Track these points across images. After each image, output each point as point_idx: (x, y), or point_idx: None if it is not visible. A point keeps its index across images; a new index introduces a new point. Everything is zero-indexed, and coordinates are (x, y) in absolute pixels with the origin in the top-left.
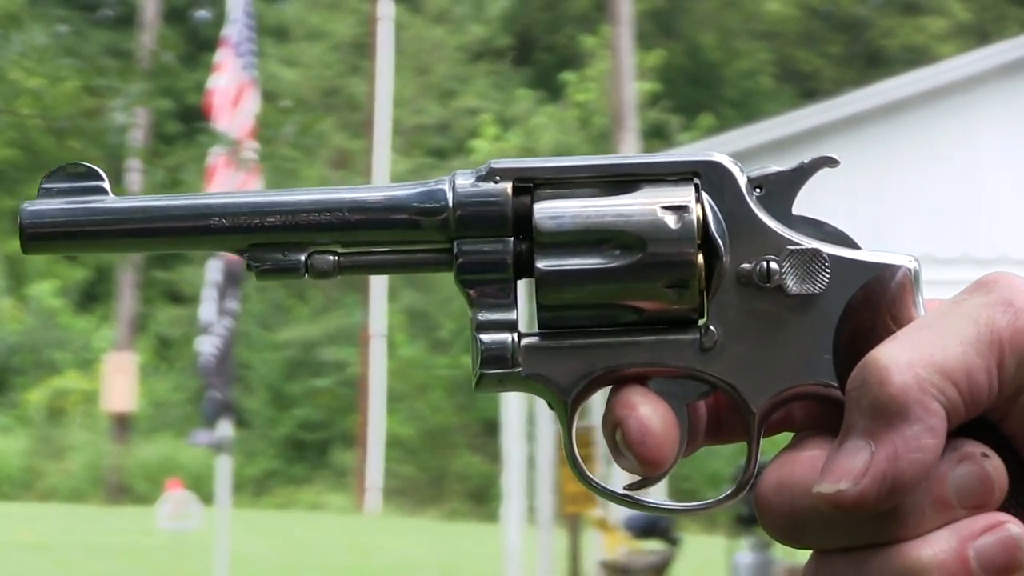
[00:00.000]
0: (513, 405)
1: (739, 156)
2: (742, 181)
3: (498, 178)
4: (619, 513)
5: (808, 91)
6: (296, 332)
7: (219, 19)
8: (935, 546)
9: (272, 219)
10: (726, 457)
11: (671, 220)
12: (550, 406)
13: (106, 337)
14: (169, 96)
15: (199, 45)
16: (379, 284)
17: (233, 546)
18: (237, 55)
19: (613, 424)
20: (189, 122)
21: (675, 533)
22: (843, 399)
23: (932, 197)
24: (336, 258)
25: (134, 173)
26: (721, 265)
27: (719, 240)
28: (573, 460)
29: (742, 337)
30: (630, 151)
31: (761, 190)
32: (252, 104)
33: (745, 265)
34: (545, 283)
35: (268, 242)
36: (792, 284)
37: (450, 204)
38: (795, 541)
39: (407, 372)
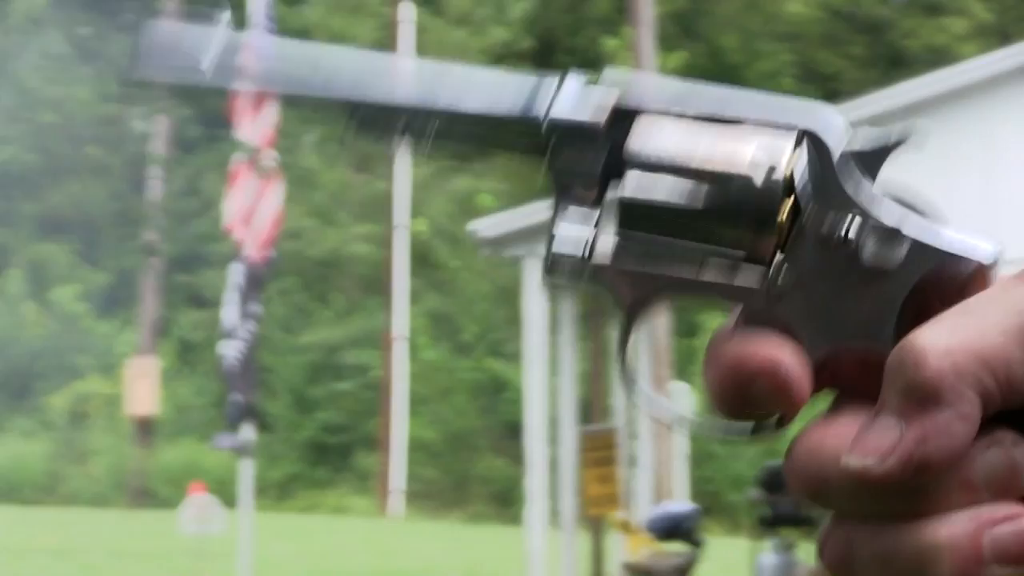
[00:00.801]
0: (536, 408)
1: None
2: (841, 146)
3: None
4: (642, 515)
5: (830, 92)
6: (319, 335)
7: (240, 22)
8: (953, 527)
9: (366, 109)
10: (749, 460)
11: (760, 173)
12: (614, 307)
13: (129, 341)
14: (191, 100)
15: None
16: (401, 287)
17: (256, 550)
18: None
19: (753, 373)
20: (210, 127)
21: (698, 535)
22: None
23: (954, 197)
24: (435, 129)
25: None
26: (800, 223)
27: (805, 198)
28: (626, 370)
29: (809, 291)
30: None
31: (857, 156)
32: (273, 111)
33: (826, 226)
34: (628, 209)
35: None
36: (867, 255)
37: (549, 105)
38: (818, 503)
39: (430, 375)
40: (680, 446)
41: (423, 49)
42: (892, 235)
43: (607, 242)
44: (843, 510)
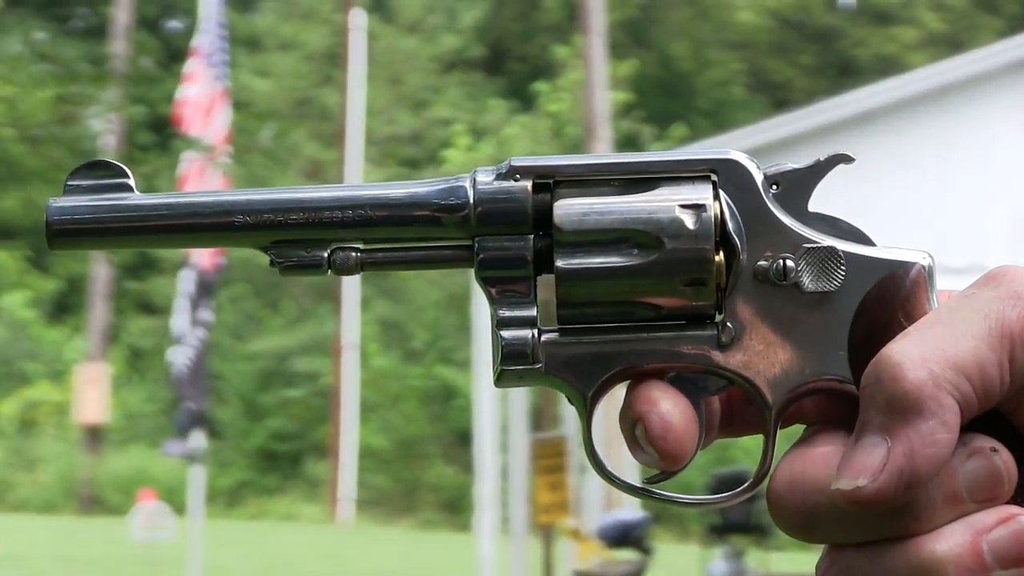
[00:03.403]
0: (487, 415)
1: None
2: (759, 178)
3: (518, 176)
4: (592, 523)
5: (780, 101)
6: (269, 343)
7: (191, 29)
8: (949, 540)
9: (295, 216)
10: (699, 467)
11: (689, 219)
12: (570, 401)
13: (78, 348)
14: (143, 103)
15: (171, 55)
16: (352, 294)
17: (206, 557)
18: (209, 65)
19: (633, 419)
20: (161, 133)
21: (648, 542)
22: (857, 394)
23: (903, 206)
24: (358, 254)
25: None
26: (738, 263)
27: (736, 238)
28: (592, 455)
29: (759, 333)
30: None
31: (777, 187)
32: (224, 114)
33: (762, 263)
34: (564, 280)
35: (291, 239)
36: (808, 281)
37: (471, 201)
38: (808, 536)
39: (380, 383)
40: (630, 455)
41: (374, 56)
42: (829, 255)
43: (551, 334)
44: (834, 538)
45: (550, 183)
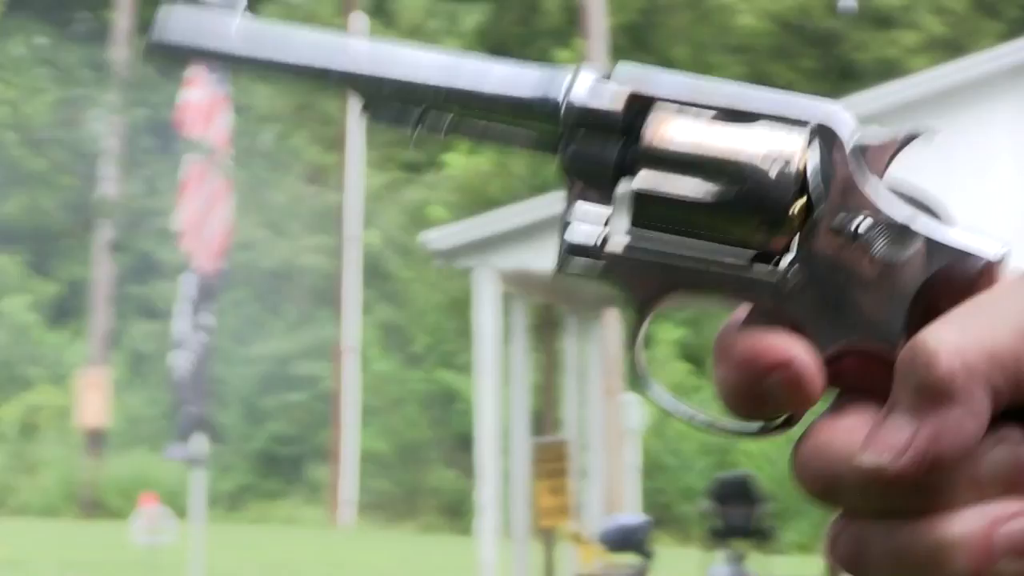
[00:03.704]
0: (487, 419)
1: None
2: (851, 140)
3: (621, 81)
4: (593, 527)
5: None
6: (270, 347)
7: None
8: (964, 524)
9: (389, 86)
10: (700, 471)
11: (776, 163)
12: (624, 306)
13: (79, 352)
14: (145, 107)
15: None
16: (353, 298)
17: (207, 561)
18: (210, 69)
19: (766, 368)
20: (163, 137)
21: (649, 546)
22: None
23: None
24: (451, 117)
25: (110, 181)
26: (814, 214)
27: (817, 190)
28: (639, 367)
29: (821, 285)
30: None
31: (864, 153)
32: (225, 118)
33: (838, 220)
34: (641, 200)
35: (383, 103)
36: (879, 248)
37: (565, 97)
38: (825, 502)
39: (381, 386)
40: (631, 458)
41: None
42: (902, 232)
43: (620, 237)
44: (855, 508)
45: (650, 97)
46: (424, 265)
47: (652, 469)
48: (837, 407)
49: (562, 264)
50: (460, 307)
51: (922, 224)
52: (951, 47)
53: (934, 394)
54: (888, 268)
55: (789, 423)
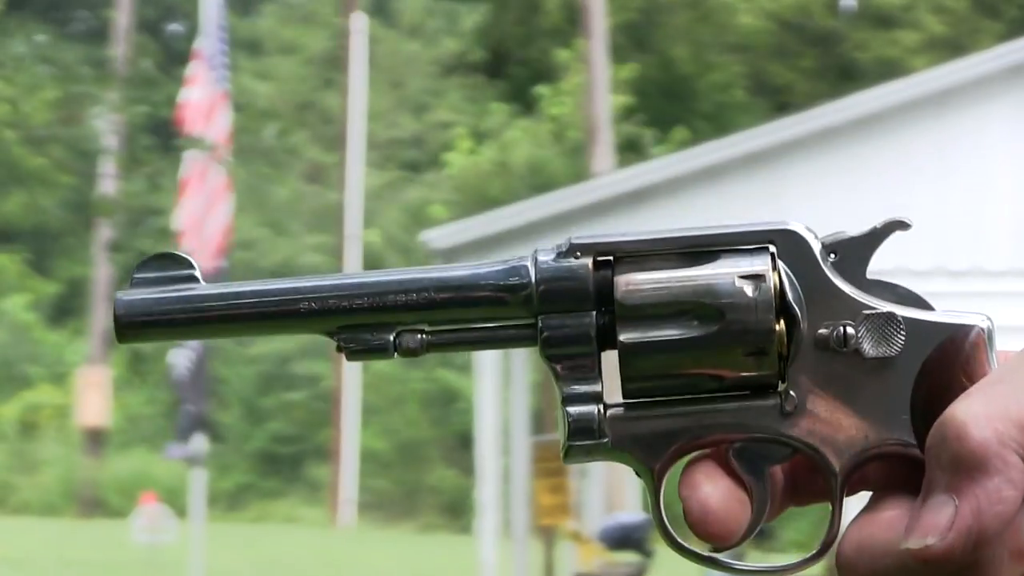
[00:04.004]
0: (487, 418)
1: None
2: (816, 248)
3: (579, 253)
4: (593, 525)
5: (781, 104)
6: (270, 346)
7: (192, 33)
8: None
9: (360, 301)
10: None
11: (749, 289)
12: (638, 475)
13: (79, 351)
14: (145, 105)
15: (172, 59)
16: None
17: (207, 560)
18: (210, 68)
19: (682, 499)
20: (163, 135)
21: (649, 545)
22: (921, 458)
23: (905, 209)
24: (424, 336)
25: (109, 179)
26: (799, 332)
27: (796, 307)
28: (662, 526)
29: (822, 400)
30: (604, 164)
31: (836, 255)
32: (225, 117)
33: (822, 331)
34: (628, 355)
35: (357, 323)
36: (869, 348)
37: (533, 280)
38: None
39: (381, 386)
40: None
41: (375, 59)
42: (889, 320)
43: (617, 411)
44: None
45: (611, 260)
46: (424, 264)
47: None
48: (872, 505)
49: (568, 453)
50: None
51: (906, 311)
52: (951, 47)
53: (970, 466)
54: (883, 363)
55: (720, 550)
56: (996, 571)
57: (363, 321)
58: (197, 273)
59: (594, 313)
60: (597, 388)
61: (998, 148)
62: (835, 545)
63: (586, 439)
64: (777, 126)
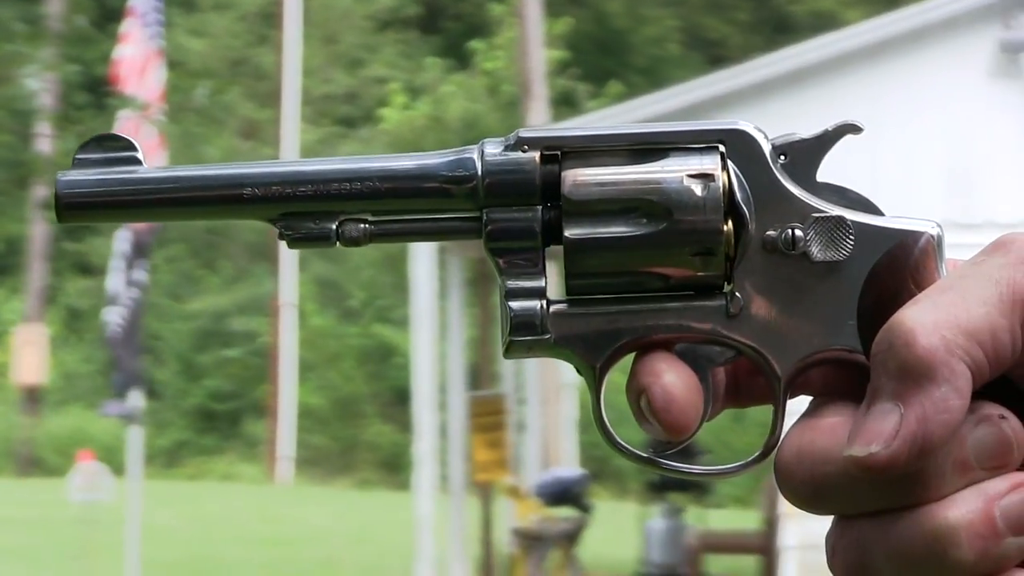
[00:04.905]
0: (424, 374)
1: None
2: (767, 149)
3: (526, 147)
4: (530, 481)
5: (716, 58)
6: (206, 303)
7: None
8: (961, 507)
9: (304, 189)
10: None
11: (697, 188)
12: (579, 372)
13: (15, 309)
14: (79, 63)
15: (106, 16)
16: (289, 254)
17: (144, 517)
18: (144, 25)
19: (638, 391)
20: (97, 93)
21: (587, 500)
22: (866, 364)
23: (836, 161)
24: (366, 226)
25: (44, 139)
26: (747, 233)
27: (744, 208)
28: (602, 426)
29: (768, 303)
30: (538, 120)
31: (786, 157)
32: (159, 74)
33: (770, 232)
34: (573, 251)
35: (300, 211)
36: (817, 251)
37: (479, 172)
38: (817, 507)
39: (318, 342)
40: (568, 412)
41: (309, 15)
42: (838, 224)
43: (560, 307)
44: (843, 509)
45: (558, 154)
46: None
47: (589, 423)
48: (813, 411)
49: (509, 348)
50: (396, 262)
51: (856, 216)
52: None
53: (916, 373)
54: (830, 268)
55: (671, 447)
56: (939, 482)
57: (306, 209)
58: (140, 156)
59: (540, 208)
60: (541, 284)
61: (931, 100)
62: (776, 448)
63: (528, 334)
64: (712, 79)
